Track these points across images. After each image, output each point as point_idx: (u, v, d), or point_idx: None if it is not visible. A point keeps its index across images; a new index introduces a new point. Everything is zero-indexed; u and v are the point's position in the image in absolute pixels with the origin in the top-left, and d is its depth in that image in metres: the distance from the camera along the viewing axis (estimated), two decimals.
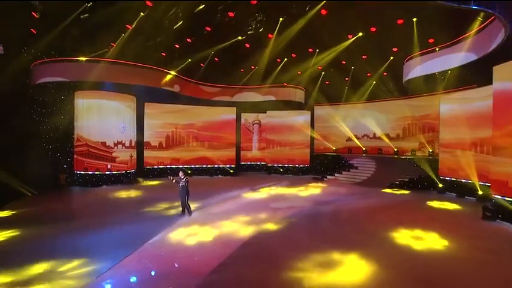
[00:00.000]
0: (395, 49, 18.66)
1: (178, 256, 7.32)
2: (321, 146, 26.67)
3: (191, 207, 11.10)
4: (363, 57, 20.19)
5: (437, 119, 18.41)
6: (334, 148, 25.74)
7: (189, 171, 22.47)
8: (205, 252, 7.56)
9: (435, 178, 17.18)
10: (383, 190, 17.37)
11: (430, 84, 17.25)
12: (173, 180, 11.16)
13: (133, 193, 15.34)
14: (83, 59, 17.33)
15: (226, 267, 6.72)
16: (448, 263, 7.09)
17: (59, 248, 7.61)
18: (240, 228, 9.54)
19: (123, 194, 15.16)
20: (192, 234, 8.89)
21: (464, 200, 14.60)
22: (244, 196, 14.97)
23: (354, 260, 7.18)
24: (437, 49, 15.89)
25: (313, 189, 17.44)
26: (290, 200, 14.11)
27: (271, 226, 9.87)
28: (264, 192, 16.10)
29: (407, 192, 16.89)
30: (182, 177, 11.03)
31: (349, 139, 25.60)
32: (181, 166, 22.66)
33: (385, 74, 21.76)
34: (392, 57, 19.87)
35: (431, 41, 16.38)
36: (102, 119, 17.86)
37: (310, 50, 20.29)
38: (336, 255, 7.39)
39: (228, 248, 7.76)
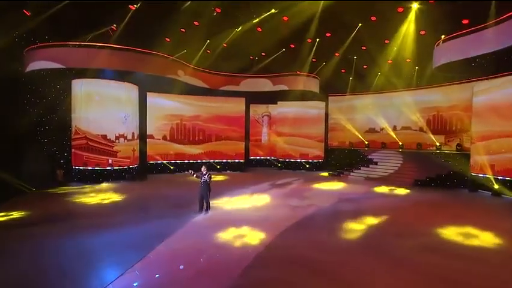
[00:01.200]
0: (422, 32, 17.60)
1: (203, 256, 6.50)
2: (335, 140, 25.75)
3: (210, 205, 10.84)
4: (386, 41, 19.14)
5: (468, 110, 17.44)
6: (350, 142, 24.79)
7: (190, 170, 21.49)
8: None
9: (466, 175, 16.25)
10: (407, 188, 16.49)
11: (461, 70, 16.21)
12: (194, 175, 10.66)
13: (141, 190, 14.51)
14: (81, 43, 16.42)
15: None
16: None
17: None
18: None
19: (129, 190, 14.33)
20: (240, 236, 8.07)
21: (503, 200, 13.68)
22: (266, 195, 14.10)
23: None
24: (471, 31, 14.82)
25: (333, 186, 16.58)
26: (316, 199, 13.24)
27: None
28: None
29: (435, 190, 15.96)
30: (205, 172, 10.54)
31: (367, 132, 24.63)
32: (186, 161, 21.94)
33: (408, 60, 20.70)
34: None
35: (465, 22, 15.33)
36: (102, 110, 17.06)
37: (328, 34, 19.25)
38: None
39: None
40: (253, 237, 8.18)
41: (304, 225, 9.53)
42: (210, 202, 10.92)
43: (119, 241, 7.81)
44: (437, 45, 16.19)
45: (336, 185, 17.19)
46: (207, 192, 10.50)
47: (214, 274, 6.05)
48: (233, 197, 13.35)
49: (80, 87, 16.97)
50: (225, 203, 12.10)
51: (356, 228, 9.21)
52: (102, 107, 17.04)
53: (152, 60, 18.23)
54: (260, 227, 9.01)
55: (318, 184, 17.43)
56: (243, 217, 10.17)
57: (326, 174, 21.67)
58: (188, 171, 11.18)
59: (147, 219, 9.80)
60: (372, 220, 10.05)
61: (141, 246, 7.34)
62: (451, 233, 8.80)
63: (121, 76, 17.54)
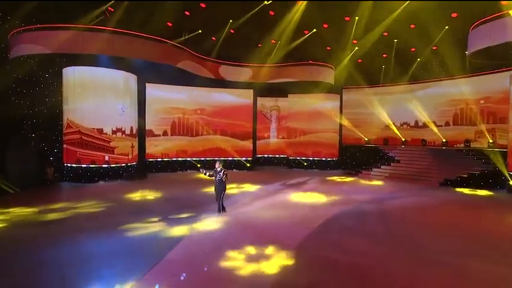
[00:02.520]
0: (454, 14, 16.61)
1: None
2: (349, 136, 24.83)
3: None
4: (411, 26, 18.12)
5: (504, 102, 16.52)
6: (366, 139, 23.87)
7: (198, 165, 20.74)
8: None
9: (504, 174, 15.29)
10: (436, 188, 15.61)
11: (501, 57, 15.21)
12: (206, 174, 10.15)
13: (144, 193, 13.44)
14: (73, 26, 15.28)
15: None
16: None
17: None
18: None
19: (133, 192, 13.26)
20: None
21: None
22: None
23: None
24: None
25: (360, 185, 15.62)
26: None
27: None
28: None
29: (471, 191, 15.03)
30: (219, 168, 9.87)
31: (385, 128, 23.71)
32: (189, 159, 20.97)
33: (435, 48, 19.72)
34: (447, 27, 17.79)
35: (504, 2, 14.33)
36: (98, 100, 16.06)
37: (347, 18, 18.22)
38: None
39: None
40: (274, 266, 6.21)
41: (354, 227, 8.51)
42: (224, 204, 10.22)
43: (121, 248, 6.80)
44: (472, 29, 15.19)
45: (363, 184, 16.21)
46: (222, 192, 9.91)
47: None
48: (252, 202, 12.13)
49: (72, 76, 15.90)
50: (240, 207, 11.01)
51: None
52: (98, 98, 16.04)
53: (152, 47, 17.14)
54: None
55: (343, 184, 16.44)
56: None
57: (343, 175, 20.61)
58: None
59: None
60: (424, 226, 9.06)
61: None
62: None
63: (118, 63, 16.46)
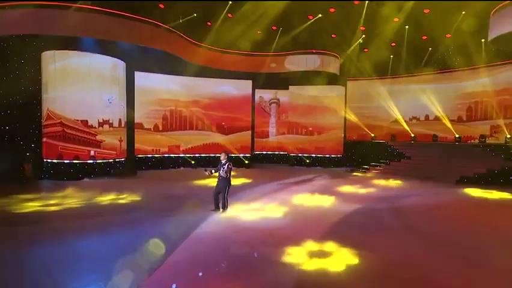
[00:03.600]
0: None
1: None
2: (354, 132, 24.30)
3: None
4: (425, 11, 17.52)
5: None
6: (373, 135, 23.31)
7: (193, 162, 19.88)
8: None
9: None
10: (453, 185, 15.12)
11: None
12: (213, 172, 9.36)
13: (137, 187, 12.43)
14: (53, 4, 14.15)
15: None
16: None
17: None
18: None
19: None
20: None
21: None
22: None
23: None
24: None
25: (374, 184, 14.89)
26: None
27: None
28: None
29: (495, 188, 14.46)
30: (223, 161, 9.09)
31: (393, 123, 23.32)
32: (182, 155, 20.05)
33: (448, 35, 19.18)
34: (463, 12, 17.24)
35: None
36: (82, 89, 14.97)
37: (356, 2, 17.54)
38: None
39: None
40: None
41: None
42: (229, 200, 9.37)
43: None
44: (493, 14, 14.63)
45: (376, 183, 15.51)
46: (227, 187, 9.08)
47: None
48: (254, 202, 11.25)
49: (53, 61, 14.77)
50: (243, 211, 10.08)
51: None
52: (82, 86, 14.96)
53: (142, 29, 16.20)
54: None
55: (362, 183, 15.72)
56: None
57: (358, 172, 19.93)
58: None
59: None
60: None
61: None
62: None
63: (105, 48, 15.46)
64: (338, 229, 7.80)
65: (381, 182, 15.80)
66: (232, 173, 9.27)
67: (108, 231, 7.37)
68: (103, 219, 8.42)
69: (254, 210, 9.52)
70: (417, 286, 5.02)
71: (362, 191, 13.32)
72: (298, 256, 5.90)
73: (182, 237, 6.80)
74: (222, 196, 9.11)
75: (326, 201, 11.05)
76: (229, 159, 9.33)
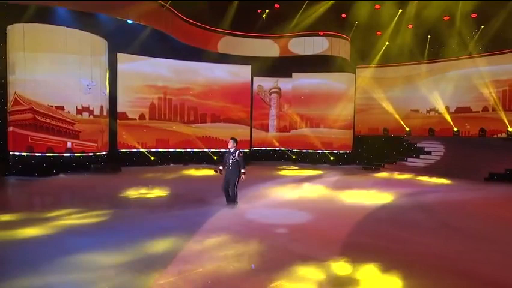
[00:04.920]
0: None
1: None
2: (364, 125, 23.94)
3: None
4: None
5: None
6: (384, 128, 22.81)
7: (187, 157, 19.26)
8: None
9: None
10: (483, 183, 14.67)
11: None
12: (221, 168, 9.08)
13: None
14: None
15: None
16: None
17: None
18: None
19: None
20: None
21: None
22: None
23: None
24: None
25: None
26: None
27: None
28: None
29: None
30: (232, 149, 8.84)
31: (407, 116, 22.98)
32: (172, 150, 19.32)
33: (474, 15, 18.73)
34: None
35: None
36: (58, 70, 14.08)
37: None
38: None
39: None
40: None
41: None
42: (238, 193, 8.97)
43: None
44: None
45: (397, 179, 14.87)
46: (236, 178, 8.73)
47: None
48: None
49: (21, 36, 13.74)
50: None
51: None
52: (57, 66, 14.07)
53: (130, 3, 15.37)
54: None
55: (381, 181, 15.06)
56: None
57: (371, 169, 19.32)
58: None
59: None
60: None
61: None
62: None
63: (84, 23, 14.65)
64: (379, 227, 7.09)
65: (400, 178, 15.22)
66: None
67: None
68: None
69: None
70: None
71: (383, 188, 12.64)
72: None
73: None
74: (230, 189, 8.77)
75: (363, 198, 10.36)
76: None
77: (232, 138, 9.02)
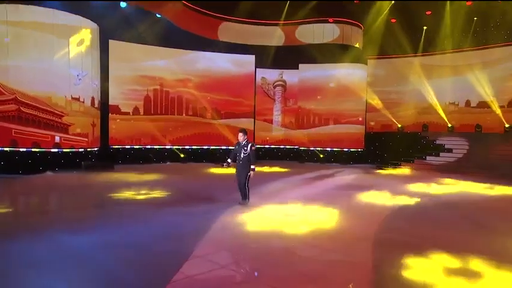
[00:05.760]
0: None
1: None
2: (376, 122, 23.86)
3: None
4: None
5: None
6: (400, 125, 22.69)
7: (182, 155, 19.12)
8: None
9: None
10: None
11: None
12: (229, 162, 9.04)
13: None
14: None
15: None
16: None
17: None
18: None
19: None
20: None
21: None
22: None
23: None
24: None
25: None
26: None
27: None
28: None
29: None
30: (243, 142, 8.75)
31: (423, 110, 22.80)
32: (168, 146, 19.15)
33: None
34: None
35: None
36: (44, 57, 13.82)
37: None
38: None
39: None
40: None
41: None
42: (250, 191, 8.86)
43: None
44: None
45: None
46: (248, 173, 8.62)
47: None
48: None
49: (4, 19, 13.36)
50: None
51: None
52: (44, 53, 13.82)
53: None
54: None
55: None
56: None
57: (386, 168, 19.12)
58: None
59: None
60: None
61: None
62: None
63: (74, 5, 14.43)
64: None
65: (421, 177, 14.92)
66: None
67: None
68: None
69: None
70: None
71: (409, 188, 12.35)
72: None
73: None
74: (241, 185, 8.73)
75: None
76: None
77: (241, 130, 9.01)
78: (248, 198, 8.72)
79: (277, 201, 9.16)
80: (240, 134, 8.84)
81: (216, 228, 6.49)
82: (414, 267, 4.73)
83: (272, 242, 5.71)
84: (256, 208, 8.24)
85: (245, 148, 8.62)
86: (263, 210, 8.08)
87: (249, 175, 8.60)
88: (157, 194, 10.10)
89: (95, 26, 15.60)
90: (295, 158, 22.21)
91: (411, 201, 9.80)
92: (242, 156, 8.57)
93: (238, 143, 8.78)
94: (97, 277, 4.30)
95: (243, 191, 8.71)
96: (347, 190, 11.52)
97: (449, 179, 14.43)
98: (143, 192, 10.17)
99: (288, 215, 7.66)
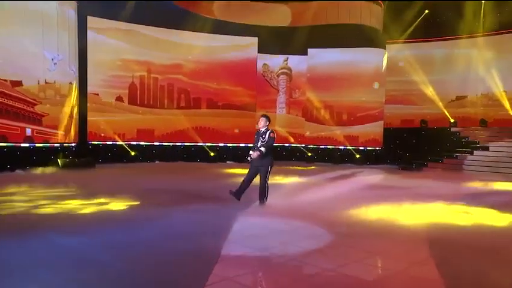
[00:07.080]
0: None
1: None
2: (395, 116, 23.82)
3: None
4: None
5: None
6: (422, 119, 22.75)
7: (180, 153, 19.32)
8: None
9: None
10: None
11: None
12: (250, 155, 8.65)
13: None
14: None
15: None
16: None
17: None
18: None
19: None
20: None
21: None
22: None
23: None
24: None
25: None
26: None
27: None
28: None
29: None
30: (263, 128, 8.51)
31: (451, 103, 22.94)
32: (157, 143, 19.19)
33: None
34: None
35: None
36: (14, 36, 13.61)
37: None
38: None
39: None
40: None
41: None
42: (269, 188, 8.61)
43: None
44: None
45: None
46: (268, 168, 8.40)
47: None
48: None
49: None
50: None
51: None
52: (14, 31, 13.60)
53: None
54: None
55: None
56: None
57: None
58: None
59: None
60: None
61: None
62: None
63: None
64: None
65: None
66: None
67: None
68: None
69: None
70: None
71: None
72: None
73: None
74: (261, 181, 8.46)
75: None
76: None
77: (264, 115, 8.69)
78: (266, 197, 8.45)
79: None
80: (262, 120, 8.55)
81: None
82: None
83: None
84: None
85: (263, 136, 8.34)
86: None
87: (270, 169, 8.39)
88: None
89: (73, 2, 15.61)
90: (301, 157, 22.16)
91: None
92: (262, 145, 8.31)
93: (258, 131, 8.58)
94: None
95: (262, 187, 8.44)
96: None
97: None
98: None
99: None
